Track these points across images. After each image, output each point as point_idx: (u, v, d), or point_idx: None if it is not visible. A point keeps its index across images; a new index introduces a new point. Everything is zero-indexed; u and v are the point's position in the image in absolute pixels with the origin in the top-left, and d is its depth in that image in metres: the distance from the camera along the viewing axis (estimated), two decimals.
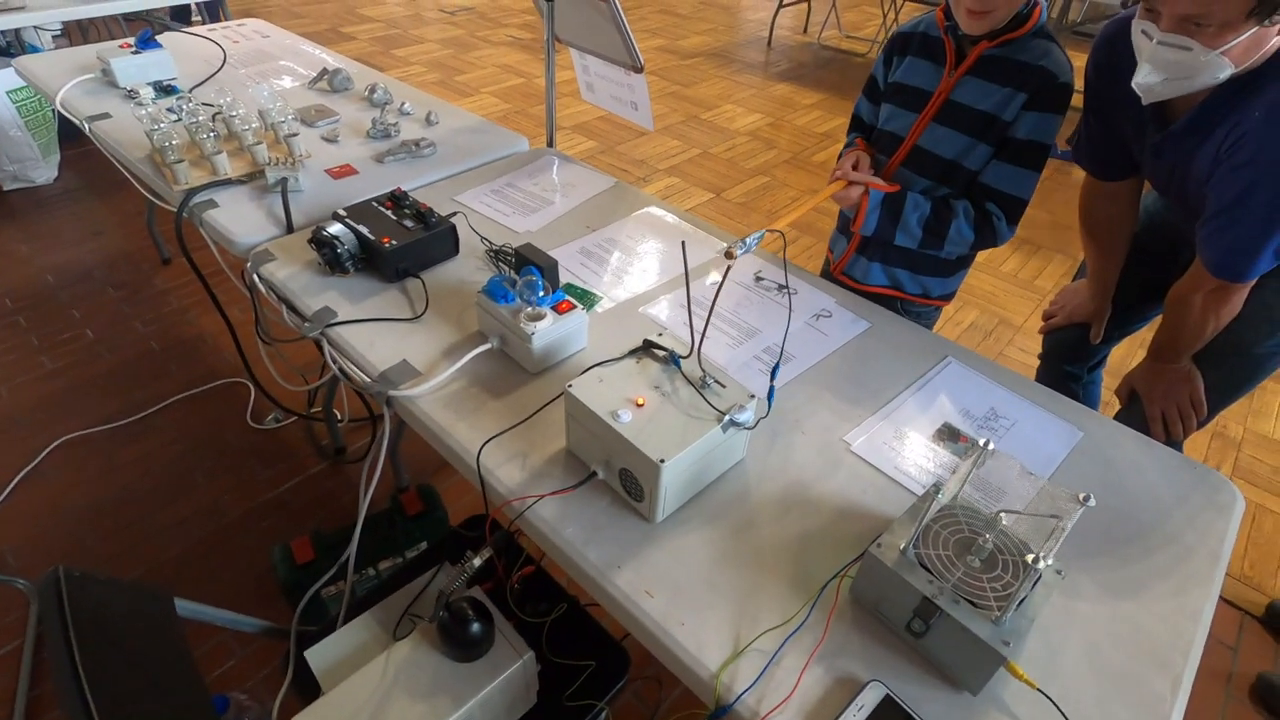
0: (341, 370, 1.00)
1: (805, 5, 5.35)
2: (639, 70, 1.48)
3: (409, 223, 1.14)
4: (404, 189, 1.22)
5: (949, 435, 0.92)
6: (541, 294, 0.94)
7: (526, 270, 0.96)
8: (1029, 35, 0.96)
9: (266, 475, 1.73)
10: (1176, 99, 0.92)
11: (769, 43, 4.93)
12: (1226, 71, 0.84)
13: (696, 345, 0.82)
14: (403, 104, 1.68)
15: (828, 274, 1.31)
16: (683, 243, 0.76)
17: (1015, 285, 2.57)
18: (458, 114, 1.70)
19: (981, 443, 0.68)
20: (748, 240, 0.85)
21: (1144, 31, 0.87)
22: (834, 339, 1.07)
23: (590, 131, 3.49)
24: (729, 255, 0.83)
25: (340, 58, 1.99)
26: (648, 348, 0.86)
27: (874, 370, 1.02)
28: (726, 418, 0.77)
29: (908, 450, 0.89)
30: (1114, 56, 1.00)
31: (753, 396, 0.81)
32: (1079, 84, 1.06)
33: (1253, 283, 0.99)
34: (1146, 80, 0.88)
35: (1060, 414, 0.96)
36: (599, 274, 1.18)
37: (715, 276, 1.19)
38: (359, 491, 1.14)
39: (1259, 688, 1.42)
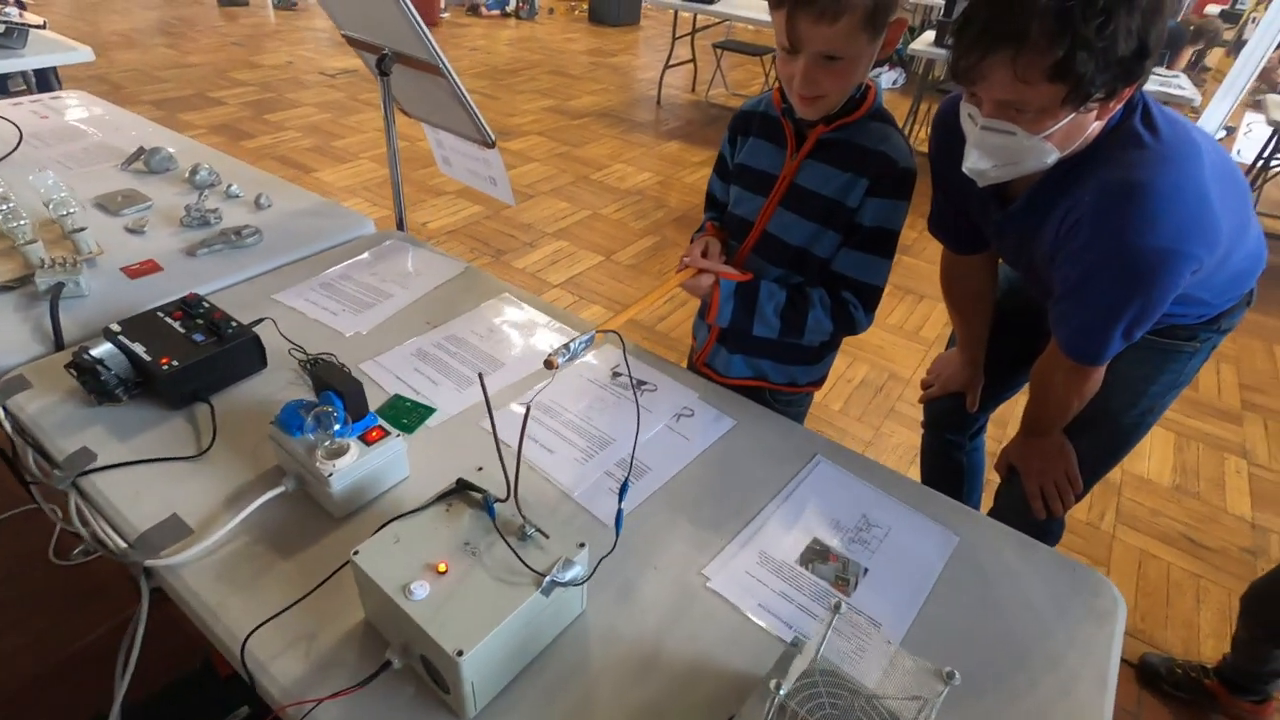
0: (93, 535, 0.81)
1: (692, 65, 5.52)
2: (490, 145, 1.38)
3: (199, 336, 0.97)
4: (199, 293, 1.05)
5: (818, 555, 0.82)
6: (341, 425, 0.79)
7: (324, 397, 0.81)
8: (865, 118, 0.92)
9: (74, 623, 1.45)
10: (1012, 179, 0.90)
11: (658, 101, 5.02)
12: (1052, 156, 0.81)
13: (511, 488, 0.69)
14: (229, 185, 1.51)
15: (692, 364, 1.22)
16: (480, 374, 0.64)
17: (901, 337, 2.60)
18: (296, 194, 1.54)
19: (833, 604, 0.58)
20: (572, 346, 0.74)
21: (969, 115, 0.84)
22: (695, 443, 0.97)
23: (474, 196, 3.38)
24: (549, 365, 0.72)
25: (175, 135, 1.79)
26: (461, 489, 0.73)
27: (738, 479, 0.92)
28: (547, 579, 0.64)
29: (772, 581, 0.79)
30: (950, 136, 0.98)
31: (582, 545, 0.68)
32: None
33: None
34: (977, 165, 0.85)
35: (935, 516, 0.89)
36: (436, 381, 1.04)
37: (567, 399, 1.08)
38: (184, 638, 0.91)
39: (1142, 669, 1.45)
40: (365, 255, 1.35)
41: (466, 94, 1.28)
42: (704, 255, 1.01)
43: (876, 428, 2.15)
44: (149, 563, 0.75)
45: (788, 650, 0.63)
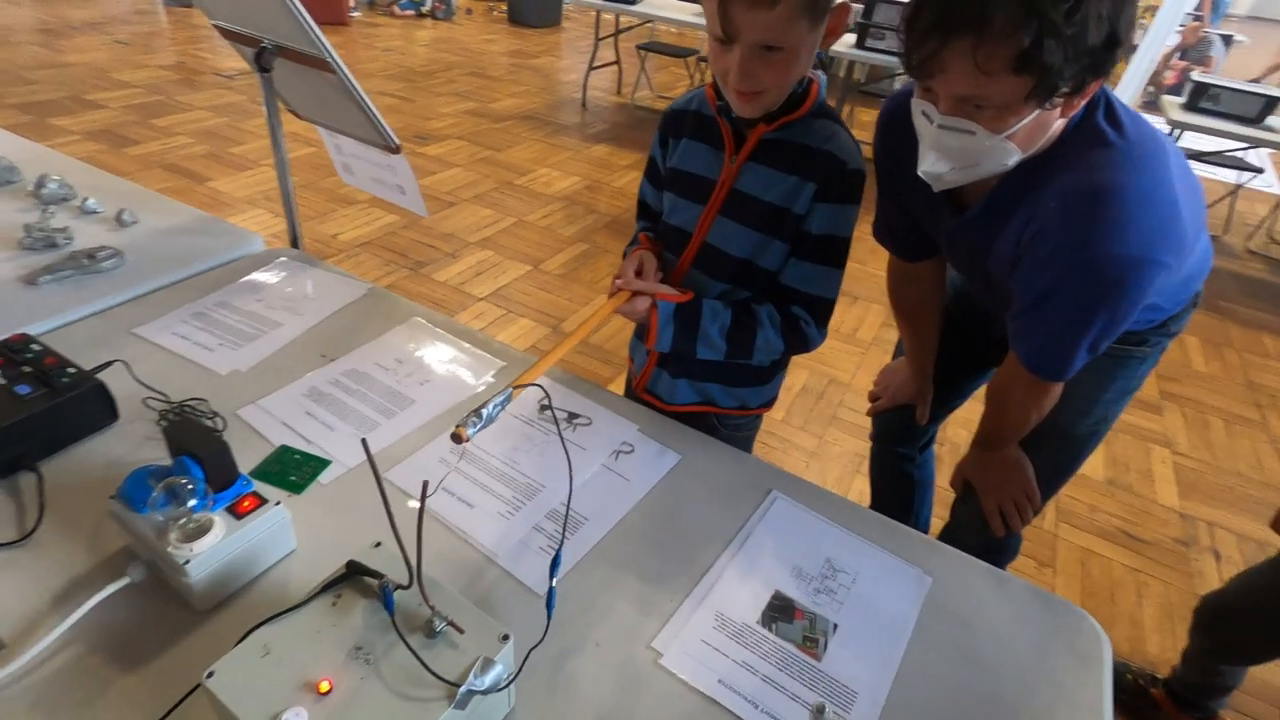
0: None
1: (617, 67, 5.43)
2: (395, 150, 1.23)
3: (23, 388, 0.79)
4: (29, 333, 0.86)
5: (781, 612, 0.72)
6: (199, 499, 0.64)
7: (177, 463, 0.66)
8: (809, 116, 0.83)
9: None
10: (968, 184, 0.83)
11: (584, 104, 4.90)
12: (1014, 157, 0.74)
13: (414, 574, 0.56)
14: (85, 200, 1.30)
15: (629, 391, 1.11)
16: (364, 440, 0.50)
17: (838, 340, 2.58)
18: (168, 209, 1.34)
19: (815, 706, 0.47)
20: (486, 411, 0.62)
21: (924, 113, 0.76)
22: (636, 485, 0.86)
23: (388, 205, 3.16)
24: (458, 439, 0.59)
25: (25, 143, 1.55)
26: (353, 575, 0.59)
27: (686, 524, 0.81)
28: (462, 689, 0.52)
29: (732, 649, 0.68)
30: (896, 138, 0.91)
31: (505, 638, 0.56)
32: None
33: None
34: (933, 169, 0.78)
35: (902, 553, 0.81)
36: (332, 426, 0.89)
37: (490, 441, 0.95)
38: None
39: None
40: (250, 278, 1.17)
41: (363, 93, 1.13)
42: (638, 273, 0.89)
43: (820, 436, 2.09)
44: None
45: None
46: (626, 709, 0.63)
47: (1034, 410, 0.96)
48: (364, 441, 0.50)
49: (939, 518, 1.44)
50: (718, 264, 0.91)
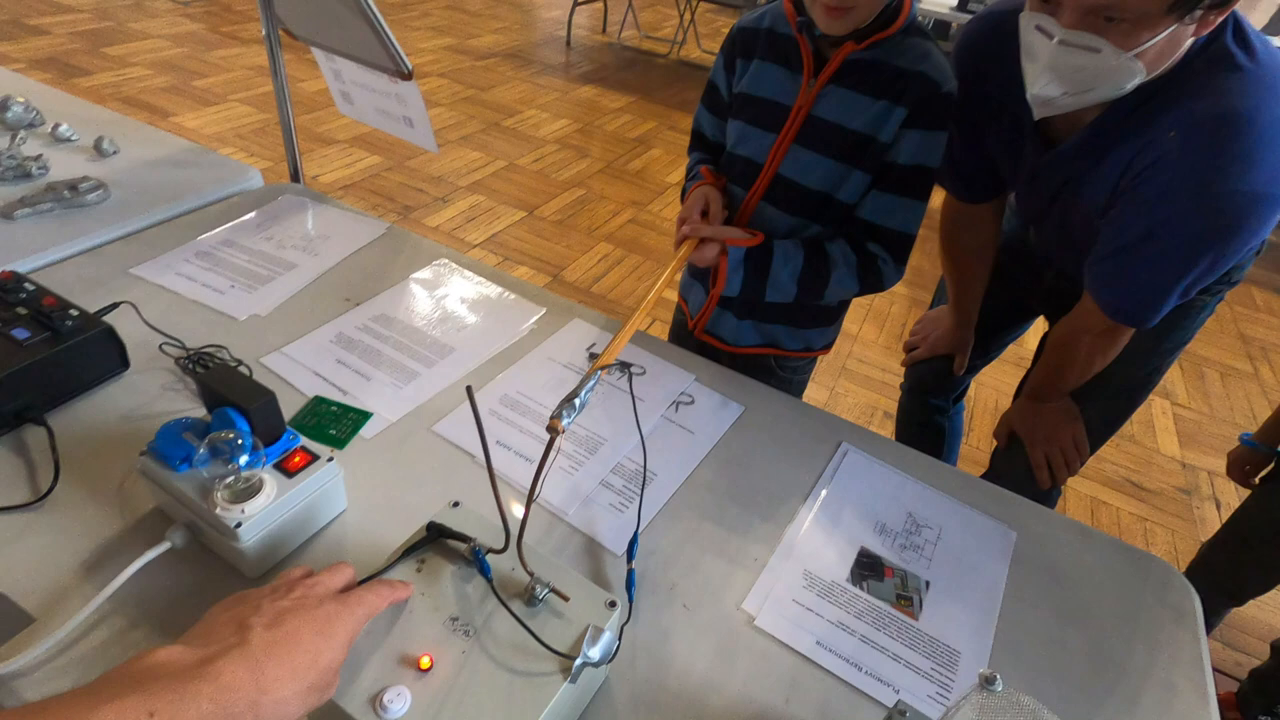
0: None
1: (601, 4, 5.17)
2: (407, 76, 1.12)
3: (21, 331, 0.70)
4: (15, 270, 0.76)
5: (871, 570, 0.69)
6: (246, 455, 0.57)
7: (219, 415, 0.58)
8: (901, 33, 0.76)
9: None
10: (1063, 114, 0.77)
11: (568, 42, 4.68)
12: (1135, 80, 0.68)
13: (516, 534, 0.50)
14: (57, 126, 1.16)
15: (680, 329, 1.04)
16: (468, 388, 0.44)
17: None
18: (152, 138, 1.21)
19: (982, 675, 0.43)
20: (579, 400, 0.56)
21: (1040, 28, 0.69)
22: (701, 438, 0.81)
23: (372, 144, 2.99)
24: (553, 430, 0.53)
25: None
26: (436, 537, 0.53)
27: (759, 480, 0.77)
28: (578, 662, 0.47)
29: (825, 609, 0.65)
30: (981, 62, 0.84)
31: (612, 604, 0.51)
32: None
33: None
34: (1045, 92, 0.71)
35: (983, 508, 0.78)
36: (367, 375, 0.82)
37: (540, 391, 0.88)
38: None
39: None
40: (252, 215, 1.07)
41: (375, 8, 1.02)
42: (704, 215, 0.82)
43: (831, 388, 2.07)
44: None
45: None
46: (725, 674, 0.59)
47: (1100, 360, 0.93)
48: (469, 389, 0.44)
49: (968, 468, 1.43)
50: (790, 197, 0.84)
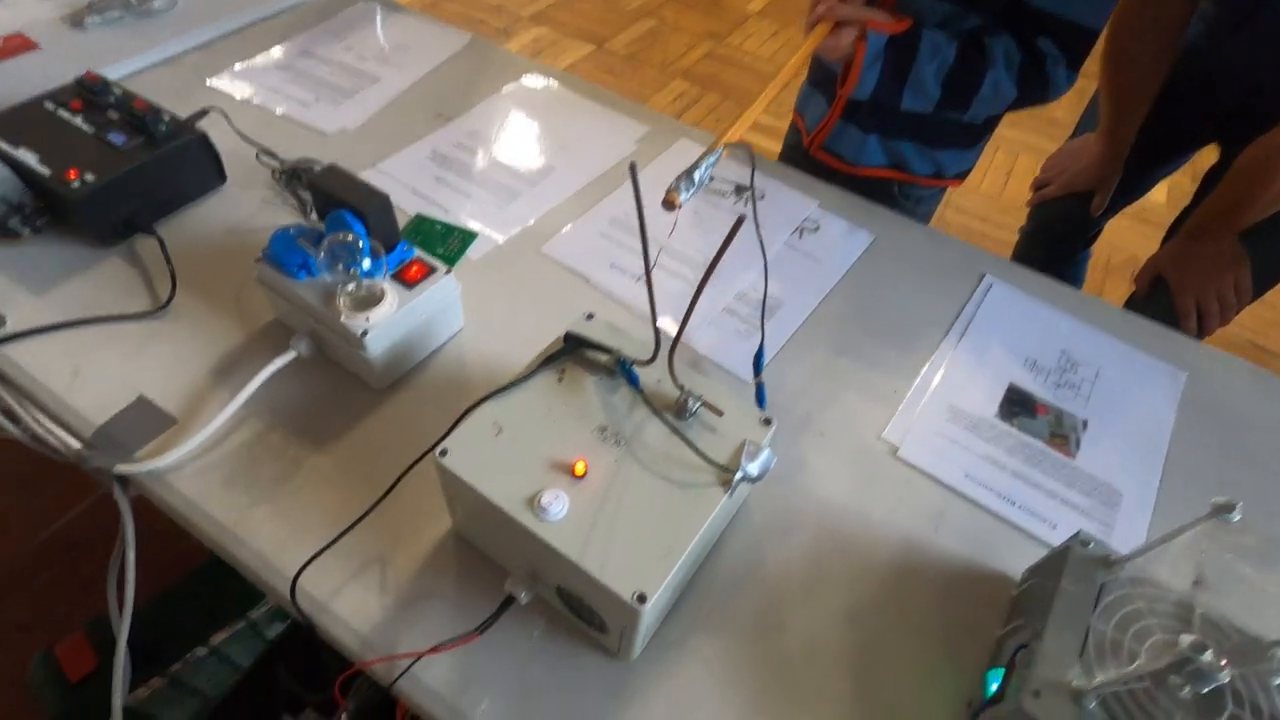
0: (29, 432, 0.56)
1: None
2: None
3: (117, 136, 0.66)
4: (102, 74, 0.71)
5: (1021, 406, 0.63)
6: (368, 260, 0.53)
7: (334, 218, 0.54)
8: None
9: (32, 508, 1.24)
10: None
11: None
12: None
13: (670, 346, 0.46)
14: None
15: (794, 151, 0.94)
16: (632, 164, 0.37)
17: None
18: None
19: (1216, 504, 0.38)
20: (697, 175, 0.50)
21: None
22: (829, 266, 0.74)
23: None
24: (670, 204, 0.47)
25: None
26: (575, 348, 0.49)
27: (894, 312, 0.70)
28: (738, 475, 0.44)
29: (973, 442, 0.60)
30: None
31: (768, 422, 0.47)
32: None
33: None
34: None
35: (1146, 347, 0.70)
36: (467, 194, 0.76)
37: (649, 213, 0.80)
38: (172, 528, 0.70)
39: None
40: (328, 24, 0.98)
41: None
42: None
43: None
44: (122, 469, 0.52)
45: (1070, 552, 0.45)
46: (867, 502, 0.56)
47: None
48: (632, 166, 0.38)
49: None
50: None
